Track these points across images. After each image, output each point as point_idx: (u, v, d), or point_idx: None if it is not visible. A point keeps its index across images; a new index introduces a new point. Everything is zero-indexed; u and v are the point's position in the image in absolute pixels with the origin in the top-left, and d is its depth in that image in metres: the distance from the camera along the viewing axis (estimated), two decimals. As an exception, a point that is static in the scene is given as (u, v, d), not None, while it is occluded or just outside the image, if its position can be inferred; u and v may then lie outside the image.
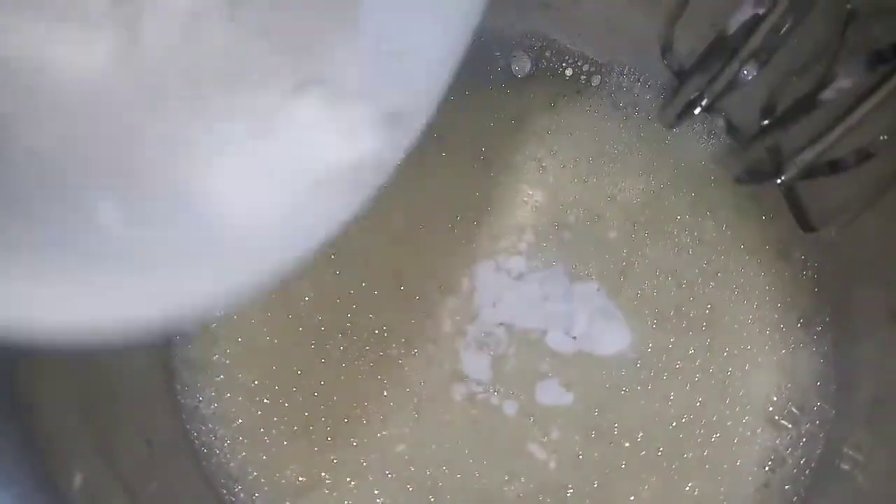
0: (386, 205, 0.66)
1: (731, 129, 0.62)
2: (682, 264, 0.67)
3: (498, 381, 0.65)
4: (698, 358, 0.66)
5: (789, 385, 0.65)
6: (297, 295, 0.67)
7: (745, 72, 0.56)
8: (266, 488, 0.64)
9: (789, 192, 0.58)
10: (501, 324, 0.67)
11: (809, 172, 0.55)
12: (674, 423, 0.64)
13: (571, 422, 0.64)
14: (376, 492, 0.63)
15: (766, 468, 0.63)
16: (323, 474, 0.64)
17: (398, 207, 0.68)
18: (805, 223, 0.58)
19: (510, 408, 0.65)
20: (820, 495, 0.60)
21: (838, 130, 0.50)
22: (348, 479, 0.64)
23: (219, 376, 0.65)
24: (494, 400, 0.65)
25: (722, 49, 0.54)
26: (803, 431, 0.64)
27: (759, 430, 0.64)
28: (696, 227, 0.68)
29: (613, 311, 0.67)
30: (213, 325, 0.66)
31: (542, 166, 0.70)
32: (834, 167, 0.54)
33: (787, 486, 0.63)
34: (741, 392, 0.65)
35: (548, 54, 0.71)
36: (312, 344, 0.66)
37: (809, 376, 0.65)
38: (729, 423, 0.64)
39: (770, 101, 0.58)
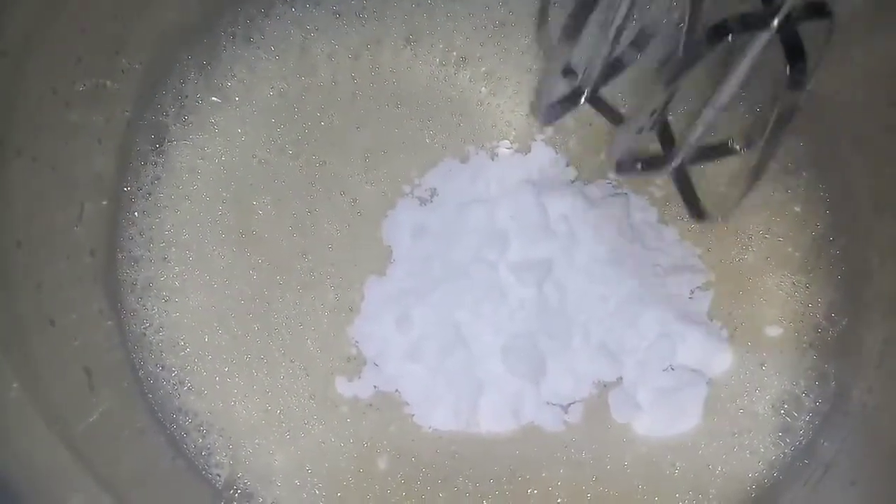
0: (357, 109, 0.62)
1: (616, 117, 0.58)
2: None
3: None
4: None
5: (801, 321, 0.60)
6: (251, 208, 0.61)
7: (625, 57, 0.55)
8: (216, 424, 0.59)
9: (680, 177, 0.56)
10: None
11: (699, 156, 0.54)
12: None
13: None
14: (333, 433, 0.59)
15: (782, 411, 0.59)
16: (278, 412, 0.59)
17: (367, 107, 0.63)
18: (696, 211, 0.56)
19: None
20: (832, 437, 0.57)
21: (710, 110, 0.47)
22: (304, 421, 0.59)
23: (167, 300, 0.60)
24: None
25: (584, 15, 0.49)
26: (815, 372, 0.60)
27: (766, 367, 0.60)
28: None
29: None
30: (162, 243, 0.60)
31: (527, 71, 0.63)
32: (723, 150, 0.55)
33: (801, 429, 0.59)
34: (751, 328, 0.61)
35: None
36: (269, 265, 0.61)
37: (822, 308, 0.60)
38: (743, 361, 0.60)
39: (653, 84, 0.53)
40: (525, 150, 0.63)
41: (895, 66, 0.52)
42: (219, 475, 0.58)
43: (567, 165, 0.63)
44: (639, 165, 0.56)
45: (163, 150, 0.61)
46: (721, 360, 0.60)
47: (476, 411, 0.59)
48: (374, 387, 0.60)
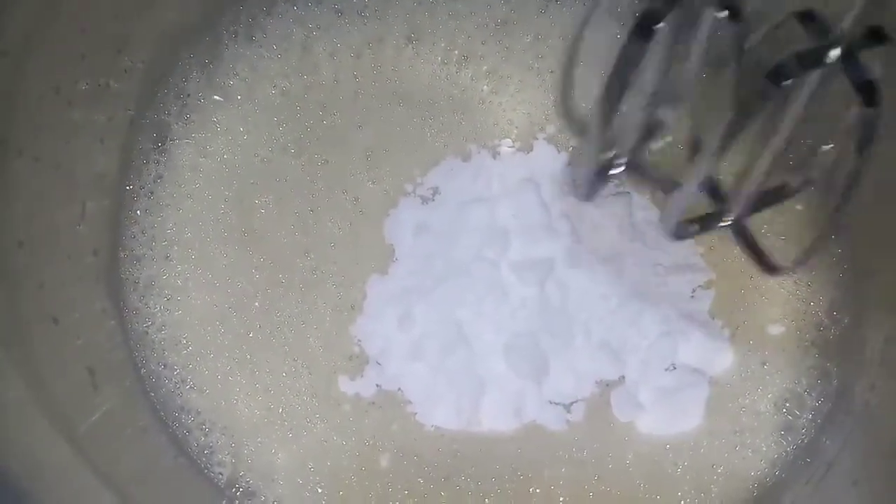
0: (359, 108, 0.62)
1: (664, 183, 0.53)
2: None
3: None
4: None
5: (803, 319, 0.60)
6: (253, 207, 0.61)
7: (661, 120, 0.51)
8: (218, 422, 0.59)
9: (740, 232, 0.52)
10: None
11: (756, 205, 0.50)
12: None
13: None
14: (335, 431, 0.59)
15: (784, 410, 0.59)
16: (280, 410, 0.59)
17: (369, 105, 0.63)
18: (766, 264, 0.53)
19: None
20: (835, 435, 0.57)
21: (765, 158, 0.45)
22: (306, 419, 0.59)
23: (169, 298, 0.60)
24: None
25: (618, 87, 0.44)
26: (817, 370, 0.60)
27: (768, 365, 0.60)
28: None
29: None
30: (164, 242, 0.60)
31: (529, 69, 0.63)
32: (782, 194, 0.51)
33: (803, 427, 0.59)
34: (752, 327, 0.61)
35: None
36: (272, 264, 0.61)
37: (824, 306, 0.60)
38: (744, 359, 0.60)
39: (696, 141, 0.50)
40: (527, 148, 0.63)
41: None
42: (221, 473, 0.58)
43: (569, 164, 0.63)
44: (695, 227, 0.52)
45: (165, 149, 0.61)
46: (723, 359, 0.60)
47: (478, 410, 0.59)
48: (377, 385, 0.59)
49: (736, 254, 0.61)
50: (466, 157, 0.63)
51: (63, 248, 0.53)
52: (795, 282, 0.61)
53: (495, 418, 0.59)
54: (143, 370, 0.58)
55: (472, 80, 0.63)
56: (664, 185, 0.54)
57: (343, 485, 0.58)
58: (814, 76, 0.39)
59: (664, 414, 0.59)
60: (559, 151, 0.63)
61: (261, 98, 0.62)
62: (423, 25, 0.63)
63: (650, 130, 0.52)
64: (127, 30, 0.56)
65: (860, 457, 0.54)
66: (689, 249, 0.62)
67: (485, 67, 0.63)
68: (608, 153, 0.52)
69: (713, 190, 0.52)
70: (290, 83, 0.63)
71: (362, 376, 0.60)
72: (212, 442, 0.59)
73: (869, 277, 0.58)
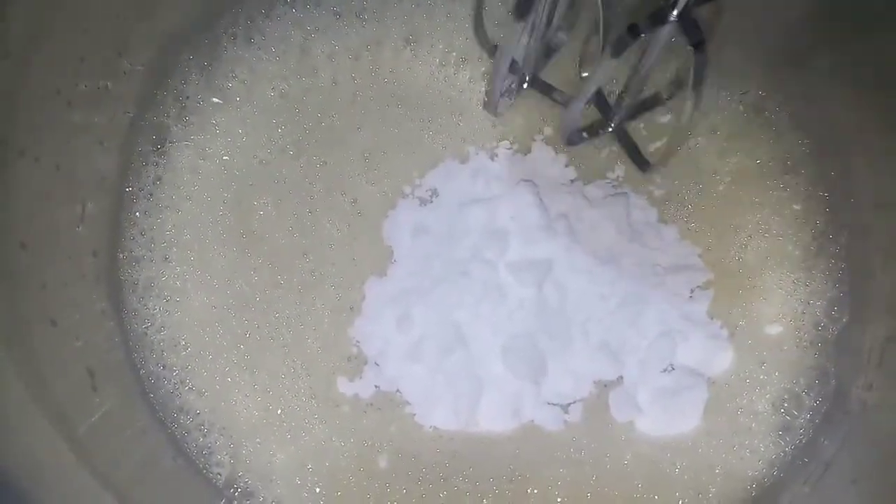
0: (357, 110, 0.63)
1: (561, 96, 0.61)
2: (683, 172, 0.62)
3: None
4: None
5: (801, 319, 0.60)
6: (252, 208, 0.61)
7: (556, 42, 0.59)
8: (217, 423, 0.59)
9: (622, 135, 0.61)
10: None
11: (634, 112, 0.61)
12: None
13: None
14: (334, 432, 0.59)
15: (782, 410, 0.59)
16: (279, 411, 0.59)
17: (368, 107, 0.63)
18: (641, 161, 0.61)
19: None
20: (833, 435, 0.57)
21: (636, 79, 0.56)
22: (305, 420, 0.59)
23: (168, 300, 0.60)
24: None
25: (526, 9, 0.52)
26: (815, 370, 0.60)
27: (766, 366, 0.60)
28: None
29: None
30: (164, 243, 0.60)
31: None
32: (653, 102, 0.62)
33: (801, 428, 0.59)
34: (751, 327, 0.61)
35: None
36: (270, 265, 0.61)
37: (823, 306, 0.60)
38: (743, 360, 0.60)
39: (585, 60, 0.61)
40: (525, 150, 0.63)
41: None
42: (219, 474, 0.58)
43: (566, 165, 0.63)
44: (584, 134, 0.61)
45: (164, 151, 0.61)
46: (721, 359, 0.60)
47: (476, 411, 0.59)
48: (375, 386, 0.60)
49: (734, 254, 0.61)
50: (465, 159, 0.63)
51: (63, 249, 0.53)
52: (794, 281, 0.61)
53: (493, 419, 0.59)
54: (142, 371, 0.59)
55: (471, 81, 0.64)
56: (561, 97, 0.62)
57: (341, 485, 0.58)
58: (667, 28, 0.49)
59: (662, 414, 0.59)
60: (557, 153, 0.63)
61: (259, 100, 0.63)
62: (421, 27, 0.63)
63: (546, 52, 0.60)
64: (126, 32, 0.56)
65: (858, 456, 0.54)
66: (687, 250, 0.62)
67: (483, 69, 0.64)
68: (515, 71, 0.59)
69: (600, 103, 0.61)
70: (289, 85, 0.63)
71: (361, 377, 0.60)
72: (210, 442, 0.59)
73: (867, 278, 0.58)
